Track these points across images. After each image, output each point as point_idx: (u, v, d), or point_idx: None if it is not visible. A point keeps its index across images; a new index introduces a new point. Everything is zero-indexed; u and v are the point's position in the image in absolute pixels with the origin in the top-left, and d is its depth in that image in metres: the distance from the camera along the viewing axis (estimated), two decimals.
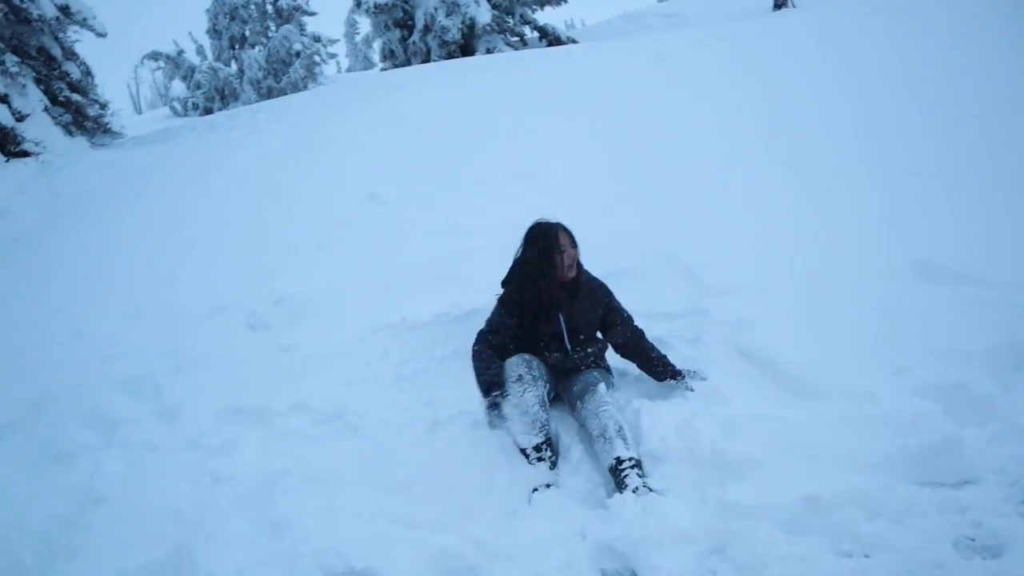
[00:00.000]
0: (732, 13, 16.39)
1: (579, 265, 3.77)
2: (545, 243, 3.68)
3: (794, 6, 16.56)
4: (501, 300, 3.82)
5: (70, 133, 12.37)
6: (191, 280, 5.45)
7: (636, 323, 3.87)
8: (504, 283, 3.84)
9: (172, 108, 31.05)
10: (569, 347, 3.74)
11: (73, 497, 3.48)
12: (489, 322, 3.79)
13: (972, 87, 6.44)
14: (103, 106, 13.35)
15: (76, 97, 12.72)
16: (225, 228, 6.31)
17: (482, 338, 3.75)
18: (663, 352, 3.77)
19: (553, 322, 3.73)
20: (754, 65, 8.24)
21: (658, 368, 3.71)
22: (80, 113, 12.86)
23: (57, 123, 12.05)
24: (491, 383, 3.55)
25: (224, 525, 3.28)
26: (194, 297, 5.16)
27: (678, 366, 3.72)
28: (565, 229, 3.72)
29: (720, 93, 7.50)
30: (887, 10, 8.99)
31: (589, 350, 3.75)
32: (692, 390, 3.59)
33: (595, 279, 3.90)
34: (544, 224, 3.74)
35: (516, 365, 3.58)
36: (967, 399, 3.12)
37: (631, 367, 3.95)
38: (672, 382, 3.66)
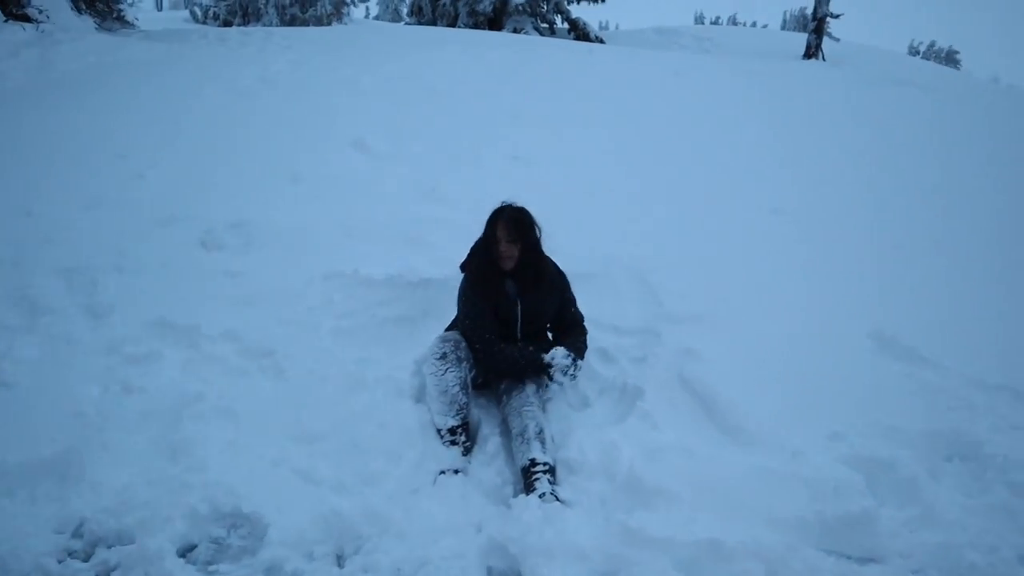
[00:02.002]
0: (762, 51, 16.36)
1: (537, 253, 3.66)
2: (487, 232, 3.61)
3: (824, 59, 16.59)
4: (469, 288, 3.68)
5: (79, 10, 12.00)
6: (157, 184, 5.30)
7: (583, 327, 3.81)
8: (462, 267, 3.74)
9: (192, 13, 30.56)
10: (520, 336, 3.66)
11: None
12: (468, 315, 3.63)
13: (972, 172, 6.45)
14: None
15: None
16: (206, 140, 6.16)
17: (477, 332, 3.58)
18: (580, 354, 3.67)
19: (510, 308, 3.64)
20: (766, 105, 8.20)
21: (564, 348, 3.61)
22: None
23: None
24: (533, 360, 3.53)
25: (124, 437, 3.21)
26: (155, 201, 5.03)
27: (612, 379, 3.68)
28: (509, 220, 3.56)
29: (726, 124, 7.45)
30: (905, 83, 9.01)
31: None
32: (551, 378, 3.55)
33: (556, 268, 3.81)
34: (495, 212, 3.63)
35: (443, 342, 3.51)
36: (893, 479, 3.08)
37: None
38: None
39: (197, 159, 5.76)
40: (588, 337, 3.80)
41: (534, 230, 3.63)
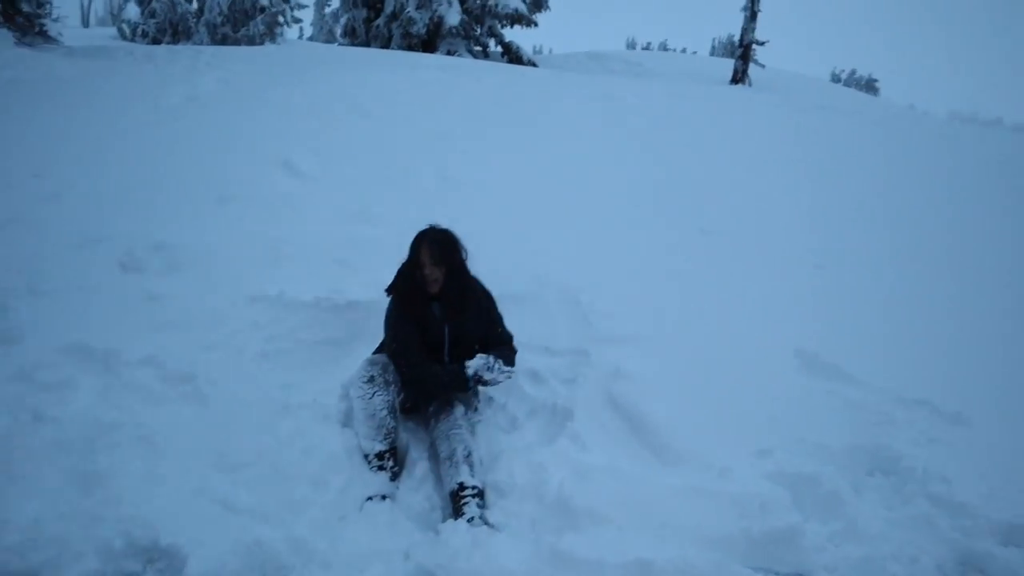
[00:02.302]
0: (691, 75, 16.75)
1: (463, 275, 3.64)
2: (411, 255, 3.58)
3: (750, 84, 17.05)
4: (395, 311, 3.64)
5: None
6: (75, 204, 5.12)
7: (512, 345, 3.79)
8: (388, 290, 3.69)
9: (120, 30, 29.70)
10: (447, 359, 3.63)
11: None
12: (395, 338, 3.58)
13: (892, 193, 6.67)
14: (40, 4, 12.59)
15: None
16: (129, 159, 5.98)
17: (403, 355, 3.53)
18: (507, 360, 3.63)
19: (437, 332, 3.61)
20: (694, 127, 8.36)
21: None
22: (13, 5, 12.09)
23: None
24: (457, 373, 3.47)
25: (33, 469, 3.05)
26: (73, 222, 4.85)
27: (542, 400, 3.68)
28: (433, 243, 3.54)
29: (655, 145, 7.56)
30: (828, 108, 9.30)
31: None
32: (484, 383, 3.51)
33: (482, 288, 3.79)
34: (418, 235, 3.61)
35: (370, 365, 3.47)
36: (818, 494, 3.13)
37: (499, 395, 3.87)
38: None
39: (119, 178, 5.58)
40: (519, 357, 3.79)
41: (459, 252, 3.61)
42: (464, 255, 3.63)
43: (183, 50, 12.53)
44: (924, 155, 8.07)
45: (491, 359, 3.47)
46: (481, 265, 3.83)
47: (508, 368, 3.54)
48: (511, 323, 3.93)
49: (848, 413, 3.73)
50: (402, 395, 3.53)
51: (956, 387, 3.93)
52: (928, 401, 3.78)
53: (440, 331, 3.60)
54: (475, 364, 3.46)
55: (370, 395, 3.35)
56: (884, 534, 2.97)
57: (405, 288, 3.59)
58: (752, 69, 17.81)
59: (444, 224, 3.67)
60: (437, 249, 3.53)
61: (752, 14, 17.56)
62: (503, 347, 3.71)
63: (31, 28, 12.29)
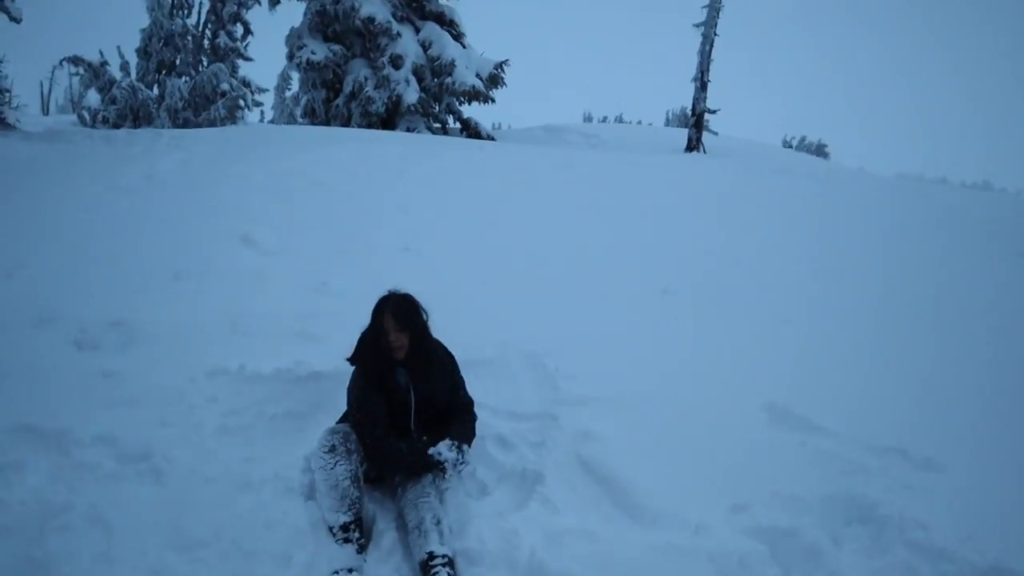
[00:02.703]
0: (646, 145, 17.08)
1: (426, 338, 3.61)
2: (374, 322, 3.54)
3: (704, 151, 17.45)
4: (360, 378, 3.57)
5: None
6: (28, 283, 5.01)
7: (471, 412, 3.74)
8: (350, 359, 3.63)
9: (81, 117, 29.62)
10: (414, 424, 3.56)
11: None
12: (359, 408, 3.50)
13: (850, 247, 6.79)
14: (2, 91, 12.57)
15: None
16: (84, 238, 5.89)
17: (367, 426, 3.45)
18: (468, 439, 3.60)
19: (403, 397, 3.55)
20: (651, 192, 8.51)
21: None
22: None
23: None
24: (420, 454, 3.42)
25: None
26: (24, 301, 4.73)
27: (511, 465, 3.62)
28: (396, 308, 3.51)
29: (613, 210, 7.67)
30: (782, 171, 9.52)
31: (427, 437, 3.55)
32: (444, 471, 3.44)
33: (445, 350, 3.77)
34: (380, 301, 3.58)
35: (331, 435, 3.38)
36: (796, 547, 3.08)
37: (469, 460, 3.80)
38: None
39: (73, 256, 5.50)
40: (481, 424, 3.73)
41: (421, 315, 3.59)
42: (426, 317, 3.59)
43: (143, 132, 12.52)
44: (877, 210, 8.28)
45: (460, 455, 3.45)
46: (444, 332, 3.81)
47: (465, 463, 3.50)
48: (476, 389, 3.89)
49: (821, 464, 3.71)
50: (365, 464, 3.42)
51: (926, 433, 3.94)
52: (900, 448, 3.78)
53: (406, 396, 3.54)
54: (445, 457, 3.42)
55: (332, 465, 3.25)
56: None
57: (368, 356, 3.53)
58: (706, 137, 18.24)
59: (401, 290, 3.64)
60: (400, 314, 3.50)
61: (703, 84, 18.06)
62: (465, 419, 3.68)
63: None
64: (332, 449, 3.29)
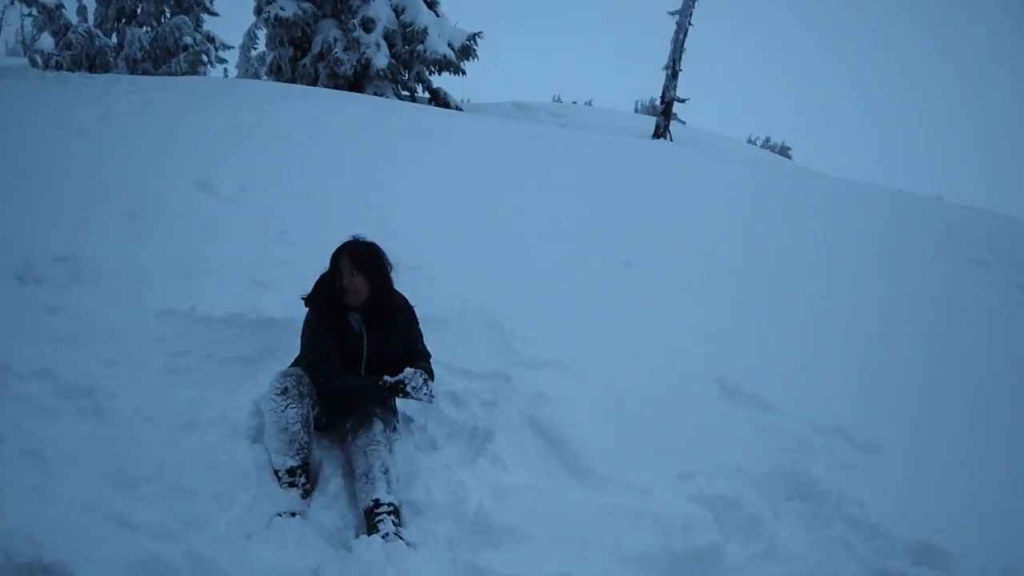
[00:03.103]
0: (615, 129, 17.10)
1: (387, 288, 3.55)
2: (332, 265, 3.48)
3: (671, 139, 17.56)
4: (312, 320, 3.51)
5: None
6: None
7: (428, 364, 3.67)
8: (305, 300, 3.57)
9: (32, 60, 28.73)
10: (364, 373, 3.51)
11: None
12: (312, 349, 3.44)
13: (805, 234, 6.88)
14: None
15: None
16: (31, 172, 5.68)
17: (319, 366, 3.39)
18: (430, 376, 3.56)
19: (355, 344, 3.50)
20: (618, 170, 8.52)
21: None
22: None
23: None
24: (375, 385, 3.38)
25: None
26: None
27: (462, 422, 3.61)
28: (354, 254, 3.45)
29: (580, 184, 7.66)
30: (743, 162, 9.61)
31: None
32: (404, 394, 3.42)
33: (405, 303, 3.73)
34: (340, 245, 3.51)
35: (284, 377, 3.31)
36: (738, 515, 3.12)
37: (419, 416, 3.77)
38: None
39: (19, 191, 5.28)
40: (436, 379, 3.68)
41: (382, 263, 3.53)
42: (389, 268, 3.54)
43: (99, 77, 12.21)
44: (834, 205, 8.40)
45: (420, 374, 3.41)
46: (403, 288, 3.76)
47: (430, 392, 3.46)
48: (433, 346, 3.85)
49: (767, 440, 3.76)
50: (316, 409, 3.37)
51: (868, 416, 4.01)
52: (842, 429, 3.84)
53: (359, 344, 3.48)
54: (404, 374, 3.39)
55: (283, 407, 3.18)
56: (803, 555, 2.97)
57: (324, 298, 3.48)
58: (673, 126, 18.36)
59: (366, 237, 3.59)
60: (357, 258, 3.44)
61: (674, 72, 18.14)
62: (423, 364, 3.61)
63: None
64: (284, 392, 3.22)
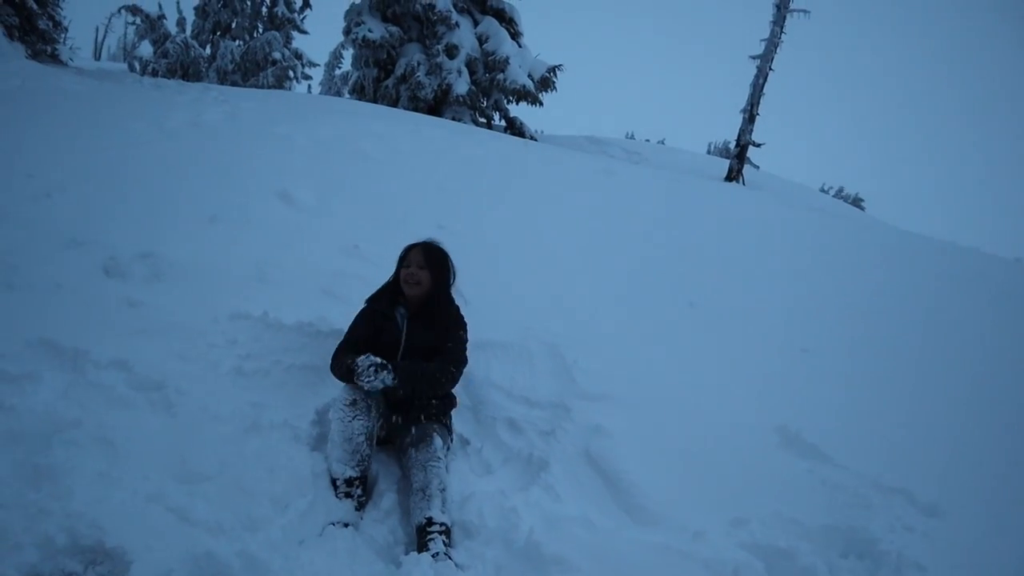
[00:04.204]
0: (687, 169, 17.01)
1: (444, 293, 3.75)
2: (401, 256, 3.77)
3: (744, 183, 17.36)
4: (360, 311, 3.77)
5: (11, 36, 11.73)
6: (64, 206, 5.05)
7: (452, 365, 3.60)
8: (368, 300, 3.81)
9: (131, 66, 30.00)
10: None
11: None
12: (346, 334, 3.71)
13: (880, 288, 6.72)
14: (56, 24, 12.75)
15: (31, 3, 12.09)
16: (124, 171, 5.94)
17: (337, 352, 3.62)
18: (415, 378, 3.44)
19: (394, 333, 3.64)
20: (689, 211, 8.46)
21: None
22: (30, 22, 12.23)
23: (1, 21, 11.40)
24: (349, 366, 3.39)
25: None
26: (60, 223, 4.77)
27: (518, 449, 3.59)
28: (427, 249, 3.73)
29: (650, 221, 7.61)
30: (818, 209, 9.44)
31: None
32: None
33: (458, 313, 3.81)
34: (413, 243, 3.80)
35: (354, 390, 3.38)
36: (791, 567, 3.04)
37: (475, 440, 3.79)
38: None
39: (111, 187, 5.53)
40: (493, 406, 3.76)
41: (448, 266, 3.76)
42: (452, 275, 3.76)
43: (193, 85, 12.65)
44: (908, 259, 8.17)
45: (387, 373, 3.33)
46: (467, 310, 3.85)
47: (379, 381, 3.33)
48: (493, 371, 3.92)
49: (825, 493, 3.65)
50: (380, 421, 3.41)
51: (932, 478, 3.86)
52: (905, 489, 3.71)
53: (398, 337, 3.63)
54: (360, 363, 3.34)
55: (350, 418, 3.24)
56: None
57: (380, 295, 3.80)
58: (746, 170, 18.17)
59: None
60: (429, 254, 3.70)
61: (751, 116, 17.99)
62: (436, 364, 3.55)
63: (45, 51, 12.40)
64: (353, 403, 3.29)
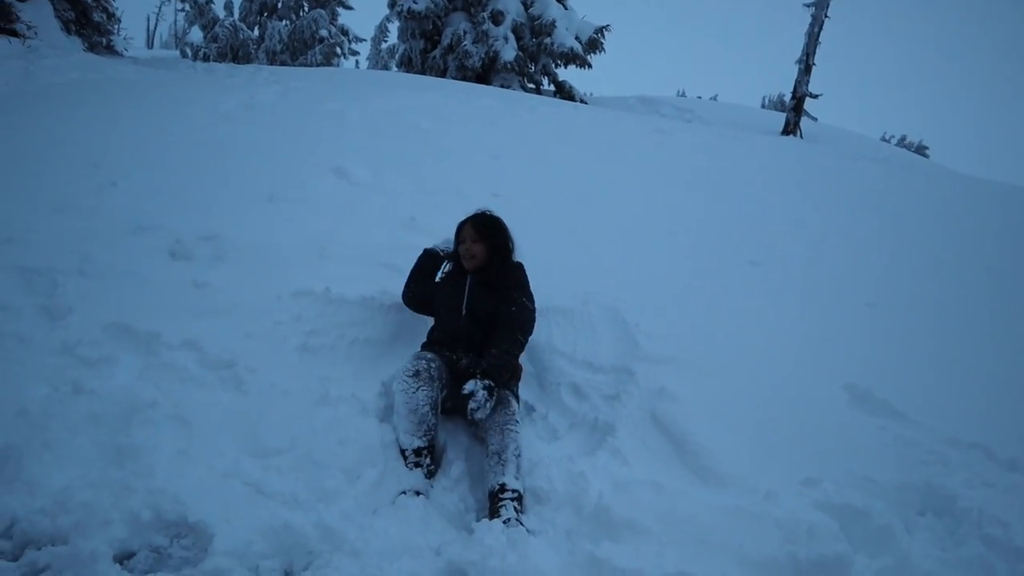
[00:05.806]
0: (742, 125, 16.66)
1: (504, 258, 3.82)
2: (456, 232, 3.89)
3: (801, 136, 16.95)
4: (430, 253, 4.10)
5: (68, 30, 12.00)
6: (129, 193, 5.17)
7: (520, 331, 3.58)
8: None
9: (183, 52, 30.57)
10: (463, 321, 3.68)
11: None
12: (414, 270, 4.09)
13: (947, 239, 6.51)
14: (110, 15, 13.01)
15: None
16: (183, 156, 6.06)
17: (409, 281, 4.08)
18: (504, 370, 3.44)
19: (459, 293, 3.76)
20: (746, 167, 8.29)
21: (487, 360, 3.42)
22: (85, 15, 12.50)
23: (59, 16, 11.67)
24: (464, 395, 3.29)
25: (68, 437, 3.01)
26: (126, 210, 4.89)
27: (583, 414, 3.61)
28: (477, 222, 3.83)
29: (707, 179, 7.50)
30: (880, 160, 9.17)
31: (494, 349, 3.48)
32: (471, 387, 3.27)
33: (518, 267, 3.84)
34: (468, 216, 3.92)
35: (416, 360, 3.42)
36: (867, 526, 2.98)
37: (540, 406, 3.81)
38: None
39: (173, 172, 5.65)
40: (556, 371, 3.80)
41: (504, 235, 3.82)
42: (509, 240, 3.84)
43: (243, 67, 12.83)
44: (977, 207, 7.91)
45: (488, 399, 3.26)
46: (530, 277, 3.84)
47: (486, 409, 3.26)
48: (555, 337, 3.91)
49: (899, 450, 3.57)
50: (445, 392, 3.44)
51: (1011, 433, 3.74)
52: (983, 445, 3.59)
53: (462, 292, 3.76)
54: (477, 393, 3.25)
55: (414, 389, 3.28)
56: (937, 573, 2.79)
57: (440, 252, 4.08)
58: (804, 122, 17.72)
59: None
60: (480, 229, 3.78)
61: (807, 67, 17.50)
62: (510, 344, 3.52)
63: (100, 42, 12.67)
64: (416, 374, 3.32)
